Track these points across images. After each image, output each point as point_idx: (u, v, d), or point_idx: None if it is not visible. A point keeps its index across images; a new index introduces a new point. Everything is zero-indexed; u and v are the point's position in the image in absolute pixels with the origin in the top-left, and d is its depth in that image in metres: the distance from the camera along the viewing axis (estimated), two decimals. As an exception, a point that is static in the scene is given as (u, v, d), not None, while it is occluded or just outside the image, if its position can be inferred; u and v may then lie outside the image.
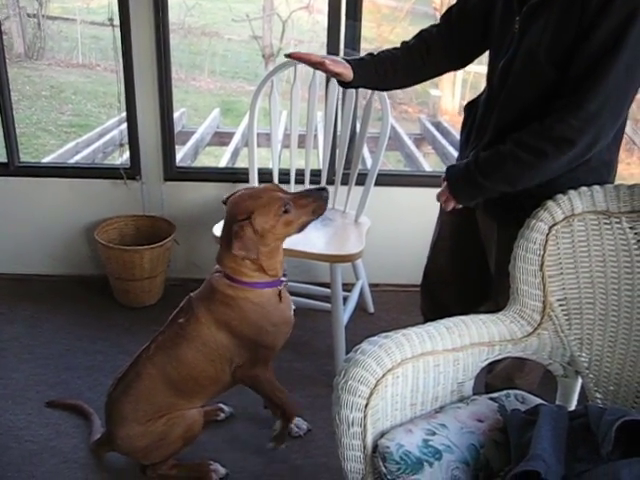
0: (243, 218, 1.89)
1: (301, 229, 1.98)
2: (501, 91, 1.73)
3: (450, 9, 1.94)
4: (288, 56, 1.85)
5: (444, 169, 1.82)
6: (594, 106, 1.52)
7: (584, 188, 1.62)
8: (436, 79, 2.05)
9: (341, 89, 2.82)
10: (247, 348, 2.01)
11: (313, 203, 1.96)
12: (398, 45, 1.96)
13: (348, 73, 1.89)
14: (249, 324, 1.98)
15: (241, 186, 3.04)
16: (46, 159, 5.84)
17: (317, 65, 1.85)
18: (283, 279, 2.05)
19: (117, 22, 2.97)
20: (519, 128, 1.63)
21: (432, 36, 1.93)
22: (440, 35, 1.92)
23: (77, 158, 5.78)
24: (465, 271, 2.11)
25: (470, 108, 1.92)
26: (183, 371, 1.99)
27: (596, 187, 1.62)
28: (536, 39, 1.61)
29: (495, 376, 2.09)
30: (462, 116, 1.99)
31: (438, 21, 1.95)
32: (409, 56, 1.93)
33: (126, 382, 2.01)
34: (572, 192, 1.63)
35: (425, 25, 1.98)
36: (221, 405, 2.41)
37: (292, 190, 2.66)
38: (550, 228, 1.63)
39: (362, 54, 1.99)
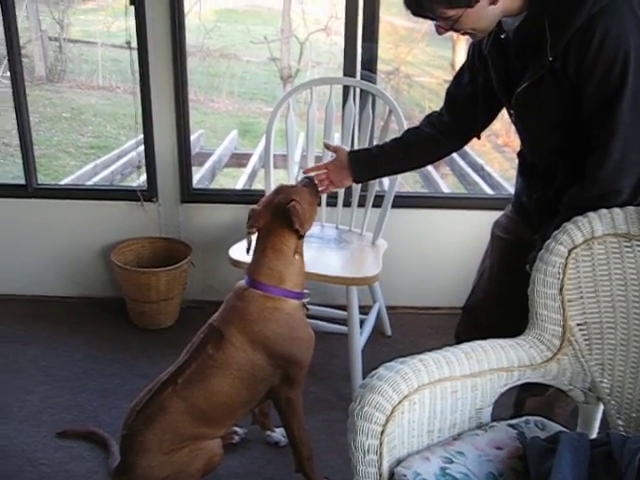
0: (288, 202, 1.97)
1: None
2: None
3: (440, 112, 2.01)
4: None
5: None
6: (616, 154, 1.56)
7: (604, 210, 1.60)
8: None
9: (358, 110, 2.82)
10: (280, 367, 1.99)
11: (313, 187, 2.12)
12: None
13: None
14: (284, 338, 1.98)
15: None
16: (65, 180, 5.88)
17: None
18: (307, 291, 2.08)
19: (135, 45, 3.00)
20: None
21: (432, 132, 2.02)
22: (446, 126, 1.99)
23: (95, 180, 5.81)
24: (511, 299, 2.00)
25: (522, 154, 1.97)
26: (218, 401, 1.95)
27: (616, 209, 1.60)
28: (538, 123, 1.72)
29: (538, 401, 2.03)
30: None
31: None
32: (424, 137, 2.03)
33: (148, 414, 1.93)
34: (592, 214, 1.60)
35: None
36: (235, 428, 2.39)
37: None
38: (570, 251, 1.61)
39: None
